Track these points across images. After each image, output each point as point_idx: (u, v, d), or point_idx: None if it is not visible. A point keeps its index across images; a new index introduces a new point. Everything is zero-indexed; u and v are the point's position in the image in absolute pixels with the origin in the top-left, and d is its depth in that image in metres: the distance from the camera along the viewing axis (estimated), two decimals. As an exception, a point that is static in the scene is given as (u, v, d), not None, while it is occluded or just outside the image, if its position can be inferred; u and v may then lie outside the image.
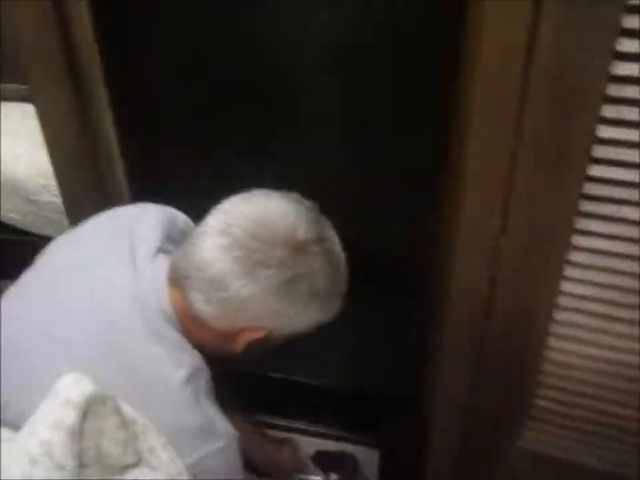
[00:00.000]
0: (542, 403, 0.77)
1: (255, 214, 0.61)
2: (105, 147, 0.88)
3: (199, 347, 0.66)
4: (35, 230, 1.06)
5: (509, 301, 0.71)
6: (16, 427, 0.54)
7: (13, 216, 1.05)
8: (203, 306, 0.61)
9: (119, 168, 0.90)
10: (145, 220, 0.70)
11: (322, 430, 1.18)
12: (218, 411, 0.64)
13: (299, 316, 0.63)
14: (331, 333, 1.22)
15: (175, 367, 0.61)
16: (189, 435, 0.61)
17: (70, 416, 0.48)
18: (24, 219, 1.05)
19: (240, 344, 0.65)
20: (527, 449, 0.79)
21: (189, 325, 0.64)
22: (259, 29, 0.94)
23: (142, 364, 0.60)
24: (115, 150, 0.88)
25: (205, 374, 0.64)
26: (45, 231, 1.05)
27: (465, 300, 0.74)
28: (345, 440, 1.17)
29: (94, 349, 0.60)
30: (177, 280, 0.63)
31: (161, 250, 0.67)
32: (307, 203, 0.64)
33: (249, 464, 1.05)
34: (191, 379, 0.61)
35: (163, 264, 0.65)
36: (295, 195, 0.64)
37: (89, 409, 0.50)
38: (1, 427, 0.55)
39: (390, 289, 1.12)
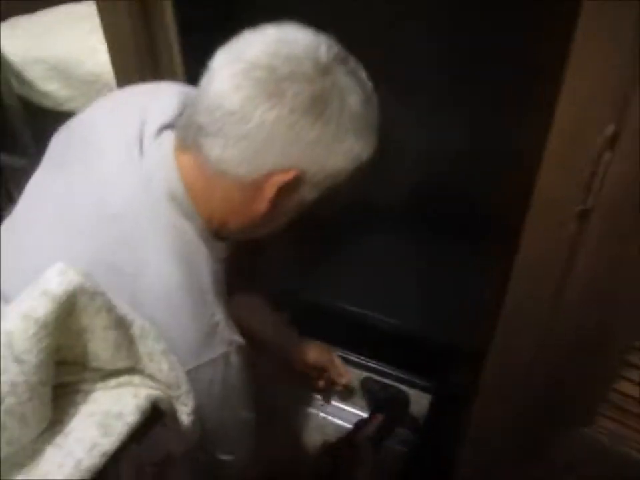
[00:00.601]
0: (627, 387, 0.62)
1: (269, 37, 0.53)
2: (163, 35, 0.81)
3: (220, 223, 0.59)
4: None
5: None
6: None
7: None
8: (222, 152, 0.53)
9: (177, 58, 0.83)
10: (159, 98, 0.63)
11: (378, 366, 1.11)
12: (224, 313, 0.58)
13: (333, 147, 0.54)
14: (409, 276, 1.15)
15: (179, 265, 0.54)
16: (191, 341, 0.56)
17: (42, 307, 0.43)
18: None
19: (268, 194, 0.55)
20: (593, 437, 0.65)
21: (206, 195, 0.57)
22: None
23: (143, 261, 0.54)
24: (174, 39, 0.82)
25: (215, 268, 0.58)
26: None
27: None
28: (400, 380, 1.09)
29: (94, 242, 0.54)
30: (187, 139, 0.56)
31: (170, 126, 0.60)
32: None
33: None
34: (195, 277, 0.55)
35: (168, 137, 0.58)
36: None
37: (74, 303, 0.47)
38: None
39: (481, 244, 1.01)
